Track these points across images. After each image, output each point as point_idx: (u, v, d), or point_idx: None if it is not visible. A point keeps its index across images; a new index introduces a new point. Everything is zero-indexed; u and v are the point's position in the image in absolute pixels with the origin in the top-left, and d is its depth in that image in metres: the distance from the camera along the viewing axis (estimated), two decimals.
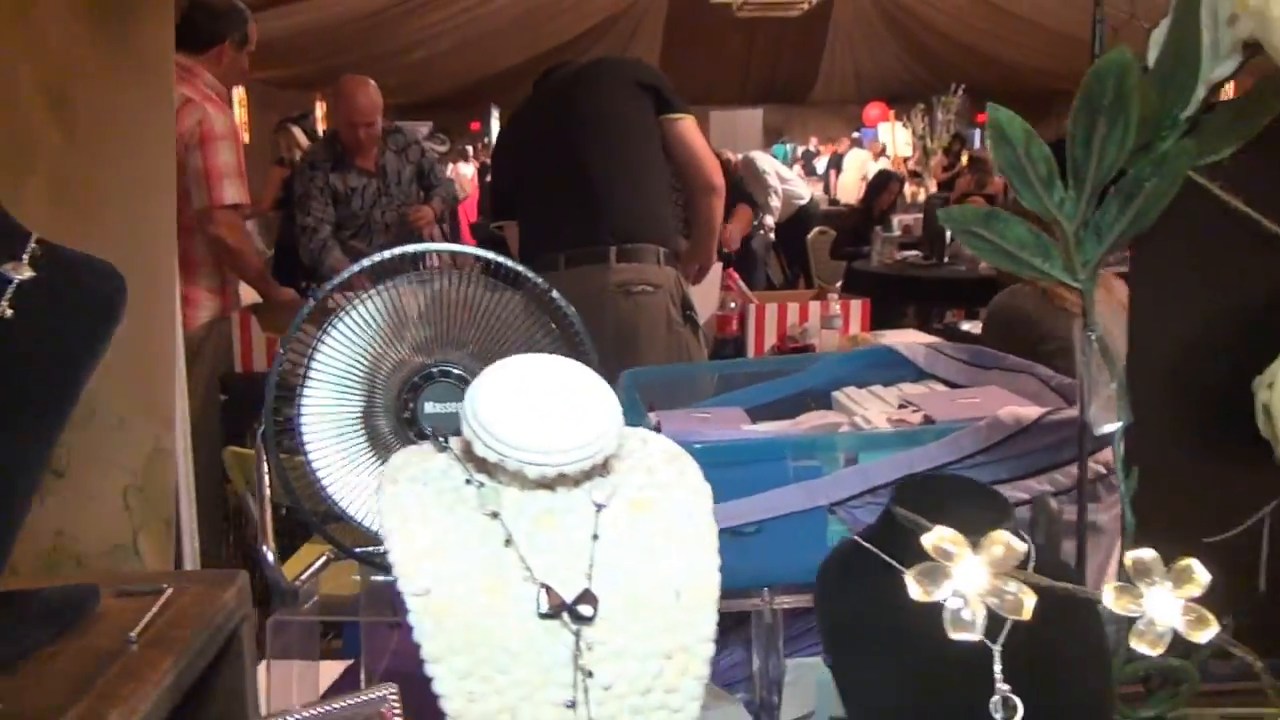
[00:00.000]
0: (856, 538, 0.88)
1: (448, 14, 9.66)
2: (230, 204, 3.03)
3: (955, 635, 0.66)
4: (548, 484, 0.85)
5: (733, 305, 4.30)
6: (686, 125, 2.81)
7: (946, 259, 5.98)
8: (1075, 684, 0.83)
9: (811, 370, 2.13)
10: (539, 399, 0.85)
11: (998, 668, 0.80)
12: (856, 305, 4.33)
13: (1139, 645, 0.65)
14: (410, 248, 1.14)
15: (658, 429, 1.61)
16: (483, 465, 0.86)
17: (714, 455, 1.65)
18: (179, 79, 3.14)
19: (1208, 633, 0.55)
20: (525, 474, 0.82)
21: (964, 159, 9.62)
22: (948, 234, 5.43)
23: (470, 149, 12.01)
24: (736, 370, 2.21)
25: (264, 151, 8.23)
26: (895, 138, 12.10)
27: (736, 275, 4.65)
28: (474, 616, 0.80)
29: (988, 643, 0.81)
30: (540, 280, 1.47)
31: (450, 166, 9.68)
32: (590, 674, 0.80)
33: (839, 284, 6.14)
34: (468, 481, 0.85)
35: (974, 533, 0.83)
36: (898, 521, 0.85)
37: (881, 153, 12.28)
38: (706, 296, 3.86)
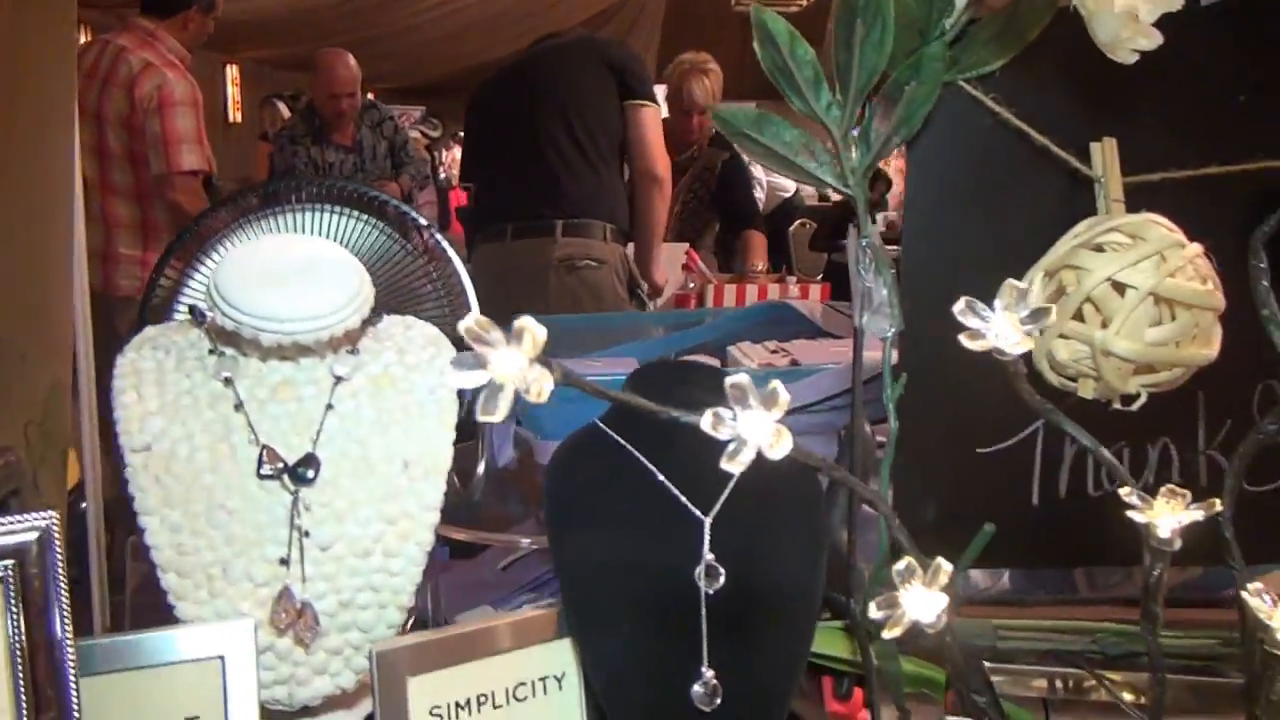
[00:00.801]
0: (596, 421, 0.90)
1: (432, 2, 9.69)
2: (189, 170, 3.05)
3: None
4: (288, 355, 0.87)
5: (691, 285, 4.32)
6: (646, 114, 2.80)
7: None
8: (786, 565, 0.85)
9: (710, 325, 2.16)
10: (280, 271, 0.87)
11: (707, 537, 0.83)
12: (816, 289, 4.34)
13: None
14: (281, 179, 1.18)
15: None
16: (232, 339, 0.88)
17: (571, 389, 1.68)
18: (140, 43, 3.17)
19: None
20: (260, 341, 0.84)
21: None
22: None
23: (462, 133, 12.00)
24: (636, 322, 2.23)
25: (254, 129, 8.27)
26: None
27: (696, 256, 4.66)
28: (194, 475, 0.82)
29: (698, 513, 0.83)
30: (425, 222, 1.50)
31: (445, 153, 9.71)
32: (307, 534, 0.82)
33: (819, 276, 6.13)
34: (210, 351, 0.88)
35: (692, 408, 0.85)
36: (626, 405, 0.88)
37: None
38: (670, 276, 3.88)
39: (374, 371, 0.89)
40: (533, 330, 0.49)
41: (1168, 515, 0.64)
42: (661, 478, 0.84)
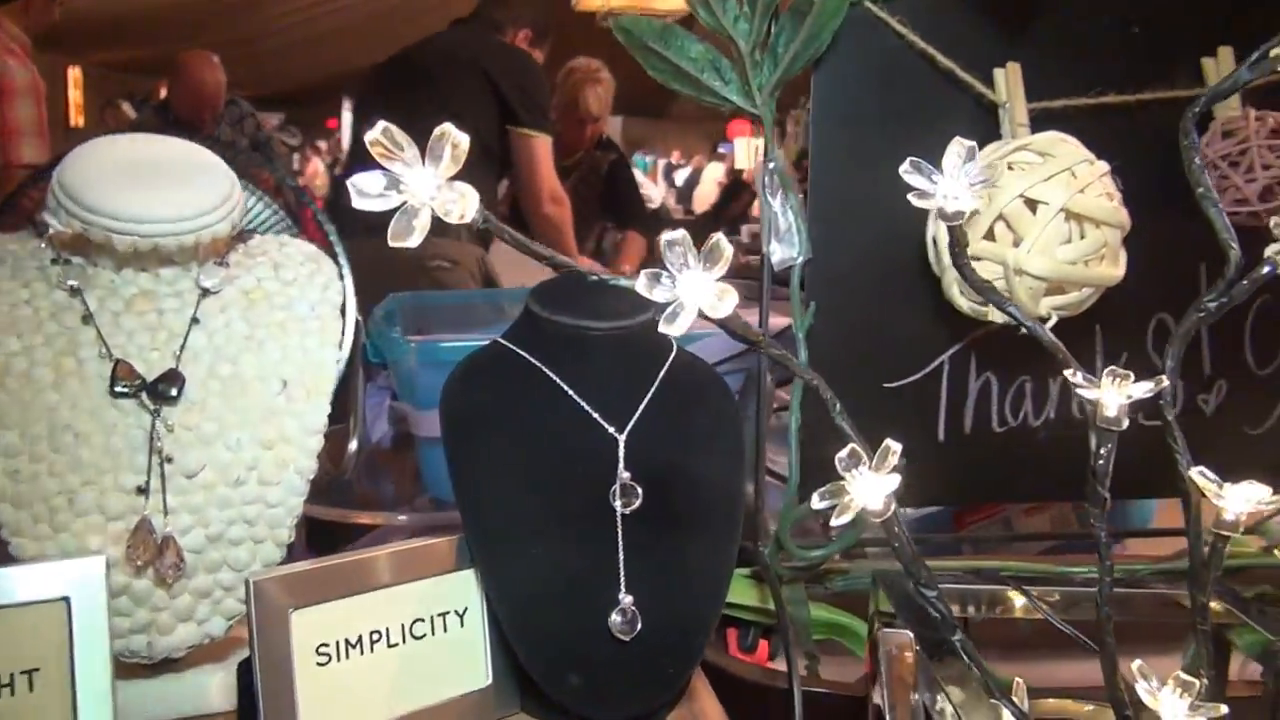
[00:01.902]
0: (498, 339, 0.83)
1: (300, 4, 9.38)
2: (28, 164, 2.82)
3: None
4: (146, 265, 0.77)
5: None
6: (536, 146, 2.65)
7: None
8: (706, 484, 0.79)
9: None
10: (139, 168, 0.77)
11: (621, 454, 0.76)
12: None
13: None
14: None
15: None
16: (80, 246, 0.77)
17: (456, 355, 1.60)
18: None
19: None
20: (114, 245, 0.74)
21: None
22: None
23: (324, 144, 11.69)
24: (513, 300, 2.16)
25: (97, 134, 7.82)
26: (751, 152, 12.29)
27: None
28: (33, 392, 0.71)
29: (612, 430, 0.77)
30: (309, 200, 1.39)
31: (305, 164, 9.38)
32: (169, 459, 0.72)
33: None
34: (54, 261, 0.77)
35: (611, 318, 0.79)
36: (532, 321, 0.81)
37: (732, 167, 12.46)
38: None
39: (246, 285, 0.80)
40: (453, 139, 0.42)
41: (1113, 392, 0.60)
42: (572, 393, 0.77)
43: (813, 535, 1.10)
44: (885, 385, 1.05)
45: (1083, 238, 0.91)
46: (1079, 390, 0.61)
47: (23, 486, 0.69)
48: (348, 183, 0.42)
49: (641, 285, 0.53)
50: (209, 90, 3.78)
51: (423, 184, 0.42)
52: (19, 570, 0.66)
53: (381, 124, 0.42)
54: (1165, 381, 0.61)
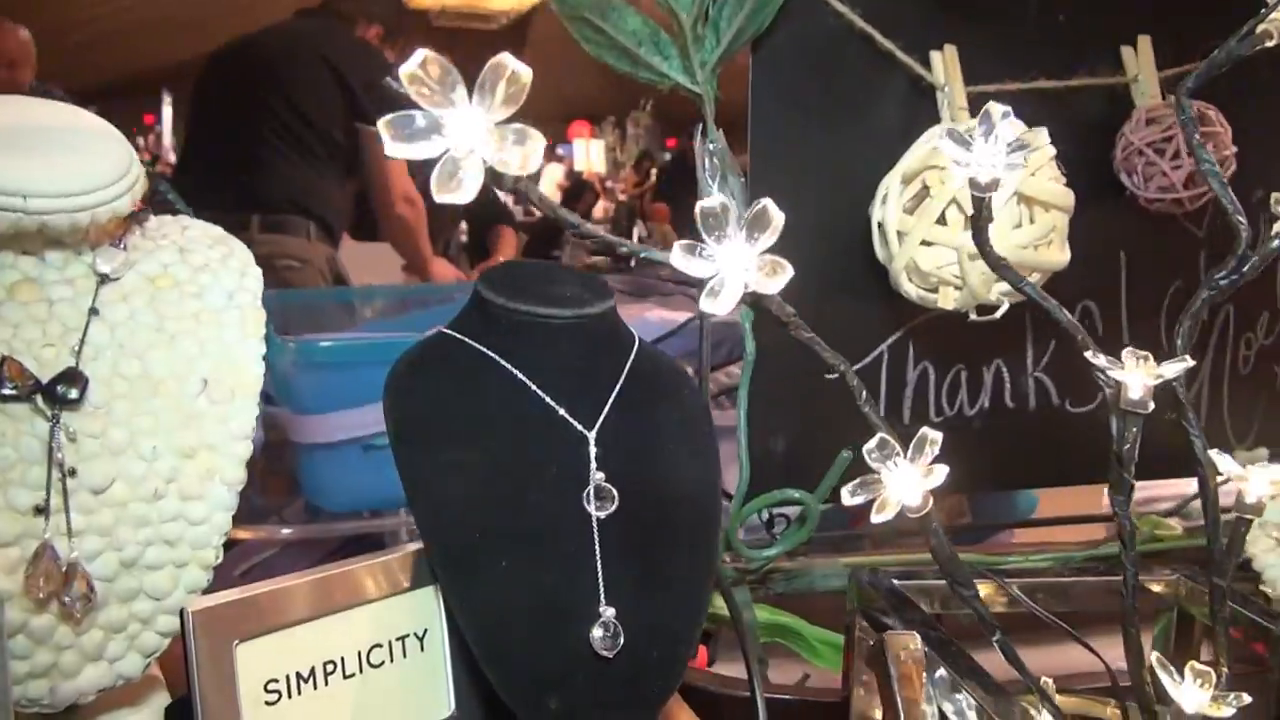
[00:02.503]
0: (442, 329, 0.75)
1: None
2: None
3: None
4: (30, 247, 0.66)
5: None
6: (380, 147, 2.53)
7: (633, 264, 6.06)
8: (682, 484, 0.74)
9: (462, 299, 2.01)
10: (19, 135, 0.65)
11: (593, 454, 0.70)
12: None
13: None
14: None
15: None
16: None
17: (342, 354, 1.49)
18: None
19: (777, 280, 0.46)
20: None
21: (653, 176, 9.88)
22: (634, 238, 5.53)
23: (141, 141, 11.01)
24: (386, 297, 2.05)
25: None
26: (590, 153, 12.28)
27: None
28: None
29: (581, 428, 0.70)
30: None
31: None
32: (72, 472, 0.62)
33: None
34: None
35: (566, 306, 0.72)
36: (483, 310, 0.73)
37: (572, 169, 12.42)
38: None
39: (150, 271, 0.69)
40: (511, 69, 0.35)
41: (1139, 374, 0.58)
42: (535, 388, 0.70)
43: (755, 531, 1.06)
44: (826, 375, 1.01)
45: (1033, 222, 0.90)
46: (1103, 373, 0.59)
47: None
48: (380, 124, 0.34)
49: (676, 258, 0.47)
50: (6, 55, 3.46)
51: (470, 127, 0.35)
52: None
53: (421, 53, 0.35)
54: (1190, 360, 0.59)
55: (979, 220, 0.61)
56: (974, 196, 0.58)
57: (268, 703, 0.58)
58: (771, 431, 1.01)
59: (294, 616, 0.60)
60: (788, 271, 0.48)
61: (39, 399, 0.62)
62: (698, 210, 0.47)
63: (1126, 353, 0.59)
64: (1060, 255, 0.92)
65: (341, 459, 1.46)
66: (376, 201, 2.63)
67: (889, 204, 0.94)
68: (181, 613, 0.56)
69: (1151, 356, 0.59)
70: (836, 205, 0.98)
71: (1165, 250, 1.13)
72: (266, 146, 2.49)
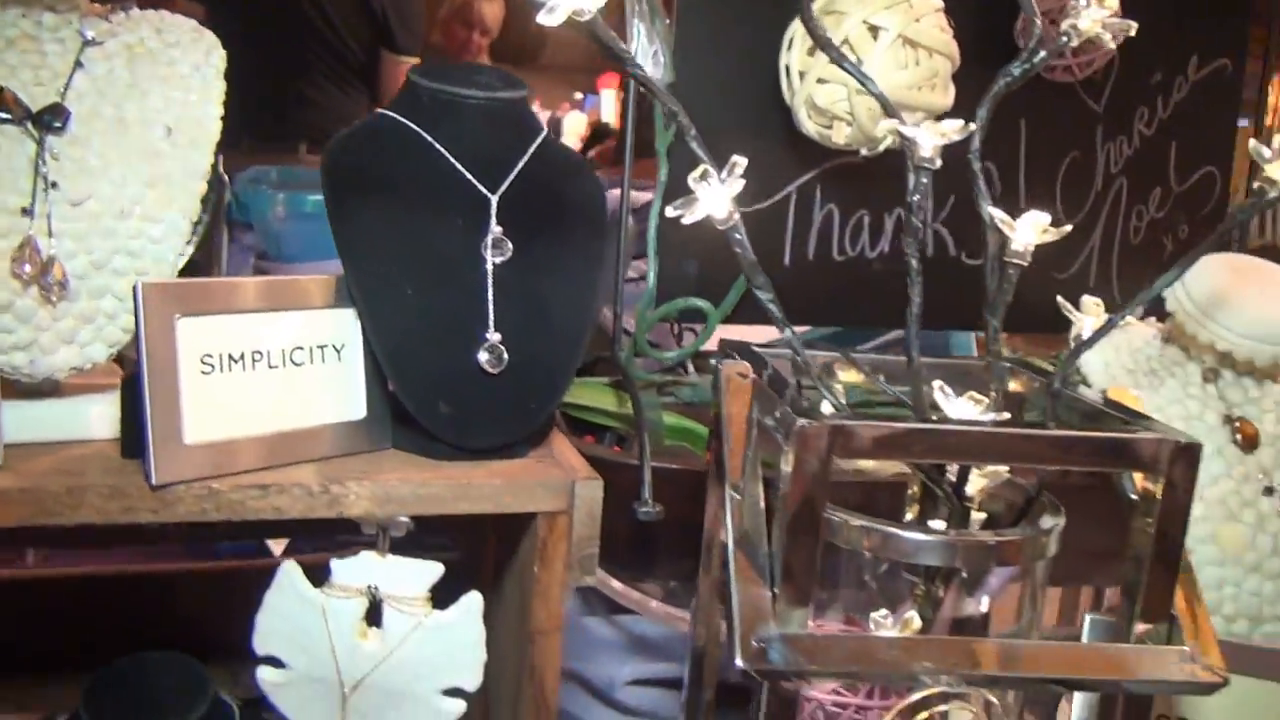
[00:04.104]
0: (379, 110, 0.87)
1: None
2: None
3: None
4: (27, 11, 0.79)
5: None
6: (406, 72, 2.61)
7: None
8: (570, 246, 0.86)
9: None
10: None
11: (494, 211, 0.82)
12: None
13: None
14: None
15: None
16: None
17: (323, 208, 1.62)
18: None
19: None
20: None
21: None
22: None
23: None
24: None
25: None
26: (615, 104, 12.37)
27: None
28: None
29: (485, 190, 0.83)
30: None
31: None
32: (54, 184, 0.75)
33: None
34: None
35: (480, 89, 0.84)
36: (412, 92, 0.86)
37: (598, 120, 12.51)
38: None
39: (129, 40, 0.82)
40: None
41: (929, 134, 0.70)
42: (450, 157, 0.83)
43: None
44: (741, 209, 1.13)
45: (917, 65, 1.01)
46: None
47: None
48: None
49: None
50: None
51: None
52: None
53: None
54: (974, 126, 0.71)
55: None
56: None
57: (203, 372, 0.72)
58: (684, 257, 1.12)
59: (227, 306, 0.73)
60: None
61: (29, 124, 0.75)
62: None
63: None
64: (943, 99, 1.03)
65: None
66: None
67: (794, 48, 1.05)
68: (135, 286, 0.69)
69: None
70: (754, 52, 1.09)
71: (1064, 122, 1.24)
72: (305, 80, 2.56)
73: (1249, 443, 0.86)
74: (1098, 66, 1.17)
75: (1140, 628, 0.70)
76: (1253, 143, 0.75)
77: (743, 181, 0.65)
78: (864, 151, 1.06)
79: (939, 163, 0.72)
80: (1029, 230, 0.70)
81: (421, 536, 0.80)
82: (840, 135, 1.05)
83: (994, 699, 0.73)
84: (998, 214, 0.72)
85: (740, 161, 0.66)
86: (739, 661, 0.64)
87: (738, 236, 0.67)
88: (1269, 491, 0.85)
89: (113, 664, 0.87)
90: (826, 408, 0.73)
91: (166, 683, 0.85)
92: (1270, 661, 0.81)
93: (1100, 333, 0.75)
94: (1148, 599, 0.70)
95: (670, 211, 0.66)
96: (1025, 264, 0.72)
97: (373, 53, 2.58)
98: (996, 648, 0.68)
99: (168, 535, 1.07)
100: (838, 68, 1.01)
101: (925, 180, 0.71)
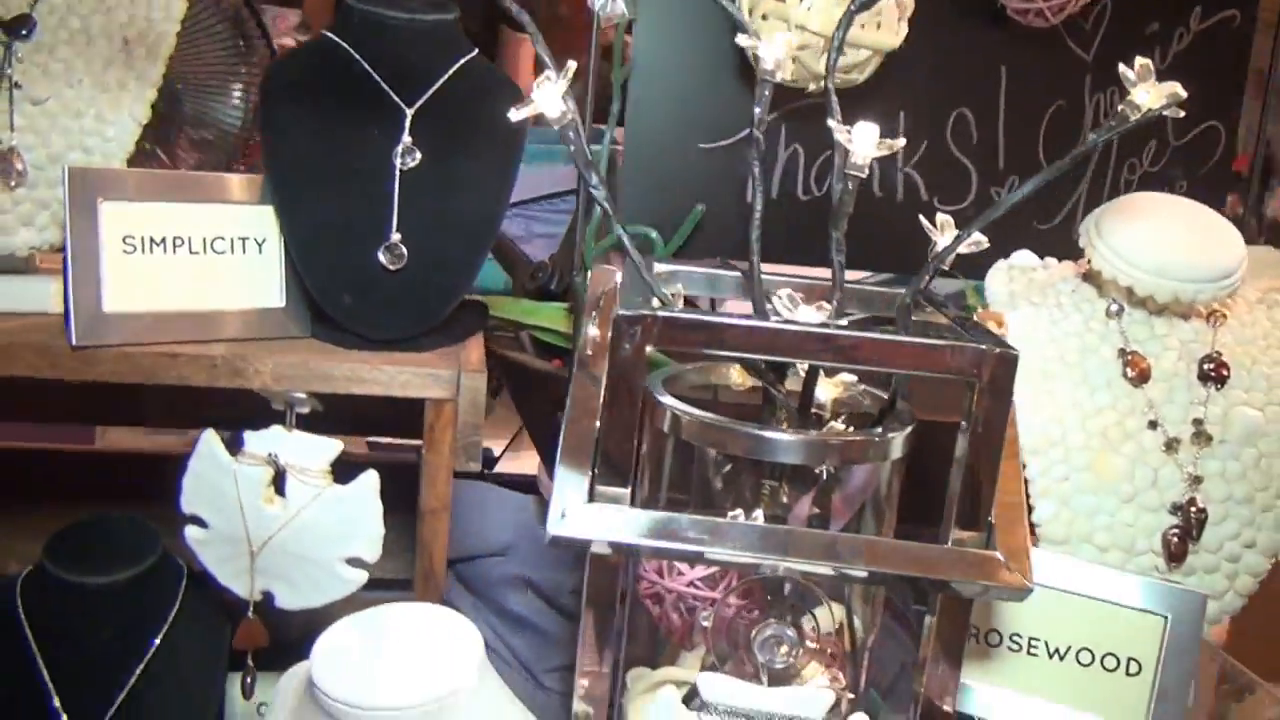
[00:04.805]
0: (322, 31, 0.95)
1: None
2: None
3: None
4: None
5: None
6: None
7: None
8: (480, 161, 0.92)
9: None
10: None
11: (407, 123, 0.89)
12: None
13: None
14: None
15: None
16: None
17: None
18: None
19: None
20: None
21: None
22: None
23: None
24: None
25: None
26: None
27: None
28: None
29: (402, 104, 0.90)
30: None
31: None
32: (18, 85, 0.85)
33: None
34: None
35: (405, 10, 0.91)
36: (345, 13, 0.93)
37: None
38: None
39: None
40: None
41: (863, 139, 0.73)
42: (368, 68, 0.90)
43: None
44: (701, 145, 1.17)
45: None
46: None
47: None
48: None
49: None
50: None
51: None
52: None
53: None
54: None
55: None
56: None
57: (124, 252, 0.81)
58: (647, 190, 1.16)
59: (150, 195, 0.83)
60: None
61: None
62: None
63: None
64: (890, 38, 1.05)
65: None
66: None
67: None
68: (63, 170, 0.79)
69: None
70: None
71: (1049, 70, 1.22)
72: None
73: (1141, 376, 0.85)
74: (1071, 11, 1.15)
75: (956, 533, 0.72)
76: (1121, 65, 0.75)
77: (565, 84, 0.70)
78: (810, 87, 1.08)
79: (780, 76, 0.75)
80: (866, 143, 0.73)
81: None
82: (785, 72, 1.07)
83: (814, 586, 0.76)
84: (839, 128, 0.74)
85: (571, 65, 0.70)
86: (550, 529, 0.69)
87: (572, 135, 0.72)
88: (1153, 425, 0.84)
89: (75, 522, 0.98)
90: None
91: (120, 538, 0.95)
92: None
93: (950, 248, 0.76)
94: (962, 506, 0.72)
95: (513, 114, 0.71)
96: (863, 175, 0.75)
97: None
98: (808, 538, 0.71)
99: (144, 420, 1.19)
100: (780, 3, 1.04)
101: (767, 93, 0.75)
